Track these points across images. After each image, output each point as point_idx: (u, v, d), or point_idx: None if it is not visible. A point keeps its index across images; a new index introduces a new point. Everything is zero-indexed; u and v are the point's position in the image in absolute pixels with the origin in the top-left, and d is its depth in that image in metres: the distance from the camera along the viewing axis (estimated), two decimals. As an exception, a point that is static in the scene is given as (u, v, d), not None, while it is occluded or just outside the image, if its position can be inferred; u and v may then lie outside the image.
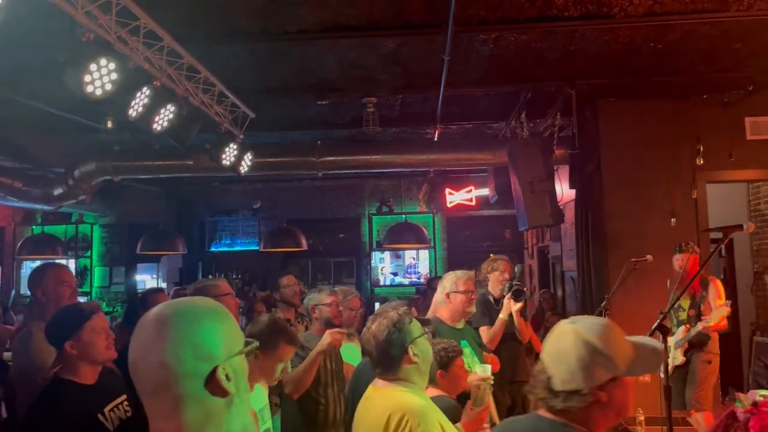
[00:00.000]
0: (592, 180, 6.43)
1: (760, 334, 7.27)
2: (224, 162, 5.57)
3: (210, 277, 8.39)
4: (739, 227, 3.16)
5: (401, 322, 2.37)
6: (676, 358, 5.23)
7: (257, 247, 10.27)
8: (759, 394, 1.20)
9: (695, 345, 5.26)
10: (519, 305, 4.53)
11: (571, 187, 6.66)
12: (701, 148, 5.94)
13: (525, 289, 4.71)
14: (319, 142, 7.27)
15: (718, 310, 5.06)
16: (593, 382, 1.58)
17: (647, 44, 4.93)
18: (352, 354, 4.03)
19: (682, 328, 5.30)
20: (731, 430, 1.19)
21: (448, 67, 4.94)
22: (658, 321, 3.15)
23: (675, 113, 6.21)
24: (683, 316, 5.39)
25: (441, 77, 5.21)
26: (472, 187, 9.89)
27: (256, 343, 1.36)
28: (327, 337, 3.48)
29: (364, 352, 2.60)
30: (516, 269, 4.75)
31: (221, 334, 1.29)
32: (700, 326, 5.10)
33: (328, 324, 3.78)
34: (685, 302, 5.36)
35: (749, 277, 7.75)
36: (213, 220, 10.77)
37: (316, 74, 5.52)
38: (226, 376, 1.25)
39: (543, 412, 1.66)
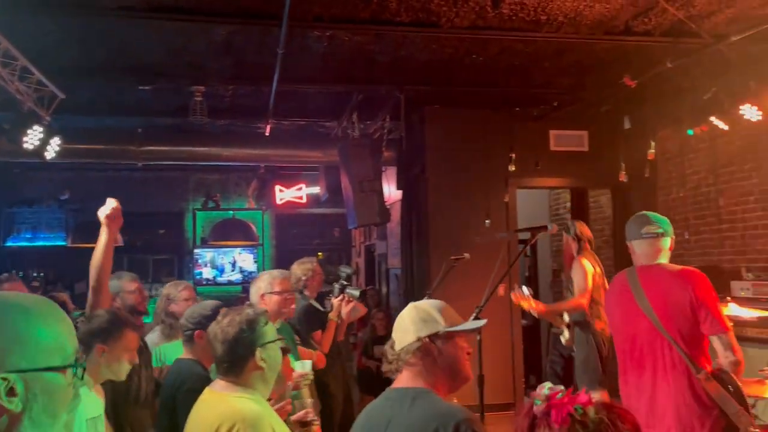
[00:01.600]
0: (417, 182, 6.73)
1: (556, 326, 8.11)
2: (26, 146, 4.98)
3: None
4: (544, 228, 3.48)
5: (255, 322, 2.21)
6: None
7: (64, 242, 9.33)
8: (546, 388, 1.25)
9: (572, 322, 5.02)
10: (350, 306, 4.42)
11: (398, 188, 6.92)
12: (513, 157, 6.46)
13: (366, 288, 4.71)
14: (139, 130, 6.79)
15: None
16: (422, 332, 1.88)
17: (470, 56, 5.26)
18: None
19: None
20: (537, 430, 1.23)
21: (282, 61, 4.87)
22: (474, 315, 3.36)
23: (492, 123, 6.71)
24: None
25: (274, 71, 5.12)
26: (302, 185, 9.86)
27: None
28: None
29: None
30: (344, 271, 4.72)
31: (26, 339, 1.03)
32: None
33: (132, 312, 3.48)
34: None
35: (549, 275, 8.62)
36: (11, 211, 9.60)
37: (139, 57, 5.14)
38: (11, 390, 0.99)
39: (394, 385, 1.91)
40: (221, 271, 10.24)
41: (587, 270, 4.68)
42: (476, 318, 3.30)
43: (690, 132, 5.92)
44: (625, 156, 6.55)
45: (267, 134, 7.04)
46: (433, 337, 1.89)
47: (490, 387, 3.45)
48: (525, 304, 4.46)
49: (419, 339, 1.88)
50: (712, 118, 5.53)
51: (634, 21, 4.53)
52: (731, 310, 4.02)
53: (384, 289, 8.58)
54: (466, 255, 5.33)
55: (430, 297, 5.01)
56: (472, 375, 1.96)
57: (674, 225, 7.14)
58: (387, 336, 6.89)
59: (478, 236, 6.18)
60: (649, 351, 2.85)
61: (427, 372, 1.87)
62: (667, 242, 2.94)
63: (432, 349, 1.87)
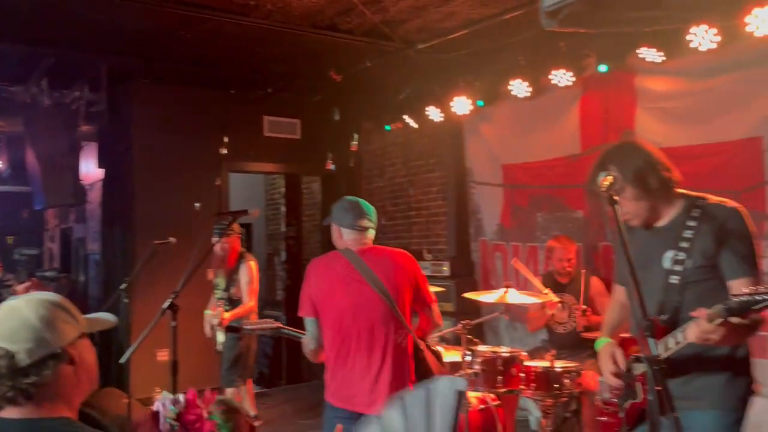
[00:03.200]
0: (122, 161, 6.25)
1: (270, 309, 8.30)
2: None
3: None
4: (245, 212, 3.51)
5: None
6: (219, 338, 5.04)
7: None
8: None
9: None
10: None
11: (100, 166, 6.35)
12: (226, 140, 6.39)
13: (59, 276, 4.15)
14: None
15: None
16: (64, 339, 1.43)
17: (181, 31, 5.03)
18: None
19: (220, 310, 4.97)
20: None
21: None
22: (169, 301, 3.25)
23: (205, 104, 6.53)
24: (219, 295, 5.16)
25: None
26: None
27: None
28: None
29: None
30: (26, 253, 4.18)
31: None
32: (214, 320, 4.91)
33: None
34: (221, 281, 5.17)
35: (263, 260, 8.77)
36: None
37: None
38: None
39: (7, 413, 1.40)
40: None
41: (255, 270, 4.95)
42: (171, 303, 3.20)
43: (387, 128, 6.53)
44: (333, 146, 6.96)
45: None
46: (75, 341, 1.47)
47: (186, 374, 3.38)
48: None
49: (63, 349, 1.43)
50: (405, 117, 6.18)
51: (338, 18, 4.82)
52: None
53: (82, 277, 7.81)
54: (172, 239, 5.14)
55: (131, 283, 4.75)
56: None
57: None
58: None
59: (187, 220, 5.98)
60: (381, 330, 2.85)
61: (62, 388, 1.44)
62: (373, 233, 3.08)
63: (75, 357, 1.45)
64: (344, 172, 7.20)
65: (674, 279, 2.15)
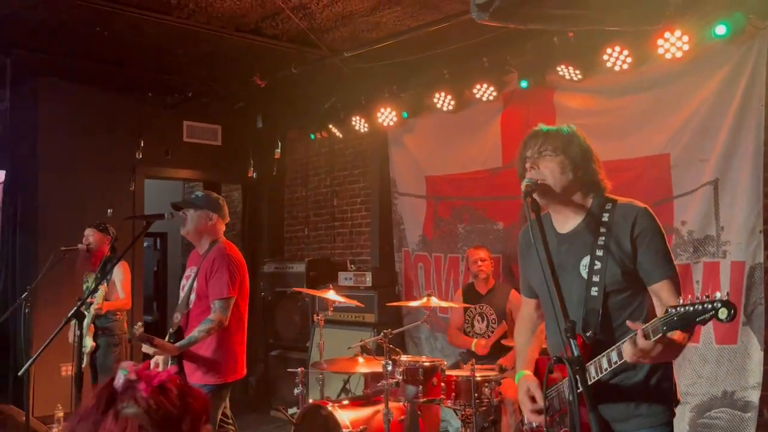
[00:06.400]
0: (26, 163, 5.87)
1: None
2: None
3: None
4: (161, 216, 3.36)
5: None
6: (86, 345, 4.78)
7: None
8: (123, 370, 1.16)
9: (100, 328, 4.92)
10: None
11: (1, 167, 5.92)
12: (142, 143, 6.13)
13: None
14: None
15: (99, 293, 4.76)
16: None
17: (97, 27, 4.78)
18: None
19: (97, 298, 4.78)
20: (120, 403, 1.13)
21: None
22: (75, 308, 3.05)
23: (120, 105, 6.25)
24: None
25: None
26: None
27: None
28: None
29: None
30: None
31: None
32: (92, 309, 4.70)
33: None
34: (90, 282, 5.00)
35: (179, 269, 8.44)
36: None
37: None
38: None
39: None
40: None
41: (128, 270, 5.06)
42: (76, 311, 2.99)
43: (312, 136, 6.46)
44: (256, 153, 6.81)
45: None
46: None
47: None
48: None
49: None
50: (331, 126, 6.13)
51: (263, 23, 4.72)
52: (332, 297, 4.48)
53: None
54: (80, 246, 4.88)
55: (34, 292, 4.42)
56: None
57: (297, 221, 7.69)
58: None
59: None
60: None
61: None
62: None
63: None
64: (266, 180, 7.06)
65: (594, 290, 2.00)
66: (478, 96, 5.00)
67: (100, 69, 5.78)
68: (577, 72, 4.38)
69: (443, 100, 5.20)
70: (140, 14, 4.46)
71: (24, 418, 4.29)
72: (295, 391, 4.22)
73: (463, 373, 3.94)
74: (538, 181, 2.04)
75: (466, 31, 4.39)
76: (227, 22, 4.71)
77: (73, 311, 3.02)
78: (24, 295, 4.37)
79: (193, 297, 3.48)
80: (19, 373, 3.18)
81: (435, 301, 4.14)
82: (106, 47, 5.23)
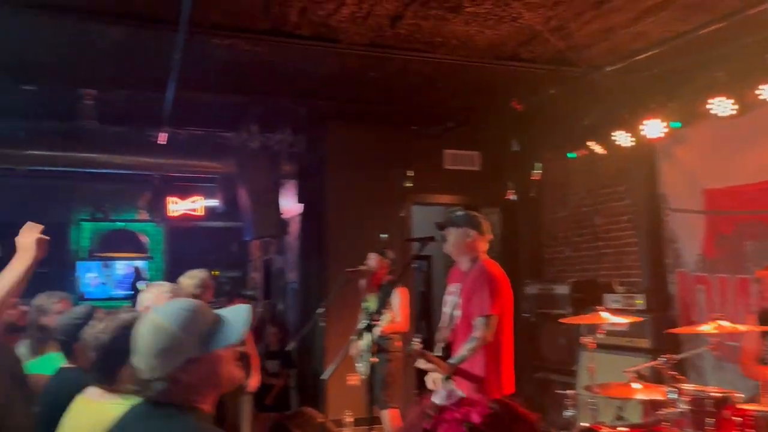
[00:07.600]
0: (318, 196, 6.77)
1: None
2: None
3: None
4: (432, 239, 3.64)
5: (130, 327, 1.98)
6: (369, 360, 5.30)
7: None
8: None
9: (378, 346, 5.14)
10: None
11: (299, 201, 6.93)
12: (410, 173, 6.67)
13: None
14: (21, 132, 6.37)
15: (385, 316, 5.17)
16: (169, 366, 1.58)
17: (370, 73, 5.39)
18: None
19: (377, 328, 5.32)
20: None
21: (180, 68, 4.78)
22: (365, 325, 3.43)
23: (391, 140, 6.89)
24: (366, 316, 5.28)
25: (170, 78, 5.00)
26: (199, 197, 9.60)
27: None
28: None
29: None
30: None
31: None
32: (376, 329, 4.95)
33: (12, 329, 3.26)
34: (372, 303, 5.40)
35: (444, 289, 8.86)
36: None
37: (21, 54, 4.86)
38: None
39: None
40: (110, 284, 9.74)
41: (407, 296, 5.33)
42: (368, 324, 3.37)
43: (571, 155, 6.34)
44: (513, 176, 6.92)
45: (162, 143, 6.83)
46: (182, 367, 1.59)
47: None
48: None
49: (168, 375, 1.58)
50: (590, 143, 5.96)
51: (521, 48, 4.84)
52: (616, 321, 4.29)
53: (281, 305, 8.50)
54: (362, 267, 5.44)
55: (326, 309, 5.06)
56: (240, 374, 1.72)
57: (557, 242, 7.56)
58: (280, 351, 6.92)
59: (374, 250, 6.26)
60: None
61: (181, 396, 1.60)
62: None
63: (183, 379, 1.59)
64: (525, 202, 7.12)
65: None
66: (762, 97, 4.46)
67: (374, 109, 6.48)
68: None
69: (722, 105, 4.74)
70: (410, 56, 4.90)
71: (321, 420, 4.93)
72: (565, 413, 4.15)
73: (763, 408, 3.50)
74: None
75: (742, 28, 3.98)
76: (486, 52, 4.92)
77: (363, 327, 3.41)
78: (319, 311, 5.03)
79: (457, 314, 3.65)
80: (323, 376, 3.67)
81: (726, 326, 3.75)
82: (378, 89, 5.84)
